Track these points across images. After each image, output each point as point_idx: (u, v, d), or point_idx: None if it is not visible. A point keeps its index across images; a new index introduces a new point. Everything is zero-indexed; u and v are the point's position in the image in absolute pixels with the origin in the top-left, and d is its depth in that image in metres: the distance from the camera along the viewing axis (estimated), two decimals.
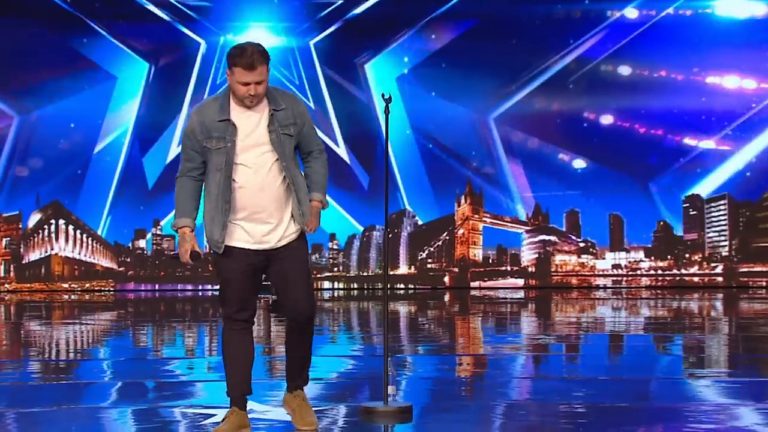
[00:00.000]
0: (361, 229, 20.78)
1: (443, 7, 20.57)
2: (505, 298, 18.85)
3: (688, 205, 20.84)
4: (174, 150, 20.39)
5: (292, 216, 6.09)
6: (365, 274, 21.10)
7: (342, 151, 20.63)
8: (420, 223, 21.03)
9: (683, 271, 20.90)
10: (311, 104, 20.71)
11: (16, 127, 20.66)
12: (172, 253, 5.53)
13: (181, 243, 6.03)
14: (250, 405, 6.34)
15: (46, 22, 20.40)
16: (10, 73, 20.45)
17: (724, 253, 20.84)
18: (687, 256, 20.91)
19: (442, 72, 20.65)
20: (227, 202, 5.99)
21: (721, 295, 19.25)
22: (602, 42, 20.63)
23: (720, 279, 20.82)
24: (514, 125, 20.76)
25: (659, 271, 20.95)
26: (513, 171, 20.81)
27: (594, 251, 21.04)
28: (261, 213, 6.03)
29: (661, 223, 20.87)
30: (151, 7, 20.54)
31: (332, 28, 20.78)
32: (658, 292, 20.03)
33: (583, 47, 20.62)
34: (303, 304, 6.12)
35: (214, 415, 6.72)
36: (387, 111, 6.85)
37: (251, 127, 6.01)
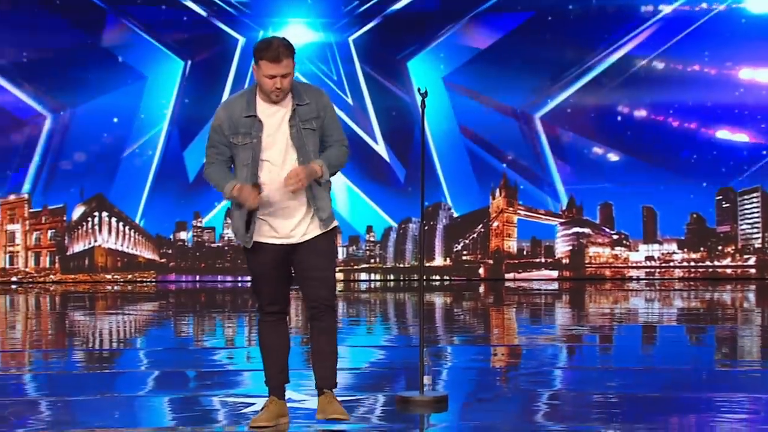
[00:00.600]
0: (395, 225, 20.79)
1: (484, 5, 20.56)
2: (540, 290, 18.90)
3: (721, 197, 20.82)
4: None
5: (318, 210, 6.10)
6: (401, 265, 21.16)
7: (381, 148, 20.65)
8: (455, 215, 21.07)
9: (716, 263, 20.88)
10: (349, 100, 20.77)
11: (50, 124, 20.81)
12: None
13: (240, 193, 5.96)
14: (288, 394, 6.40)
15: (76, 18, 20.50)
16: (45, 71, 20.58)
17: (757, 245, 20.81)
18: (720, 248, 20.90)
19: (484, 68, 20.62)
20: None
21: (753, 287, 19.24)
22: (637, 37, 20.59)
23: (753, 271, 20.79)
24: (551, 120, 20.76)
25: (692, 263, 20.94)
26: (552, 165, 20.81)
27: (627, 243, 21.05)
28: (286, 208, 6.05)
29: (694, 215, 20.85)
30: (189, 3, 20.66)
31: (371, 24, 20.80)
32: (691, 283, 20.02)
33: (618, 43, 20.59)
34: (322, 291, 6.09)
35: (253, 404, 6.79)
36: (423, 105, 6.93)
37: (276, 122, 6.03)
